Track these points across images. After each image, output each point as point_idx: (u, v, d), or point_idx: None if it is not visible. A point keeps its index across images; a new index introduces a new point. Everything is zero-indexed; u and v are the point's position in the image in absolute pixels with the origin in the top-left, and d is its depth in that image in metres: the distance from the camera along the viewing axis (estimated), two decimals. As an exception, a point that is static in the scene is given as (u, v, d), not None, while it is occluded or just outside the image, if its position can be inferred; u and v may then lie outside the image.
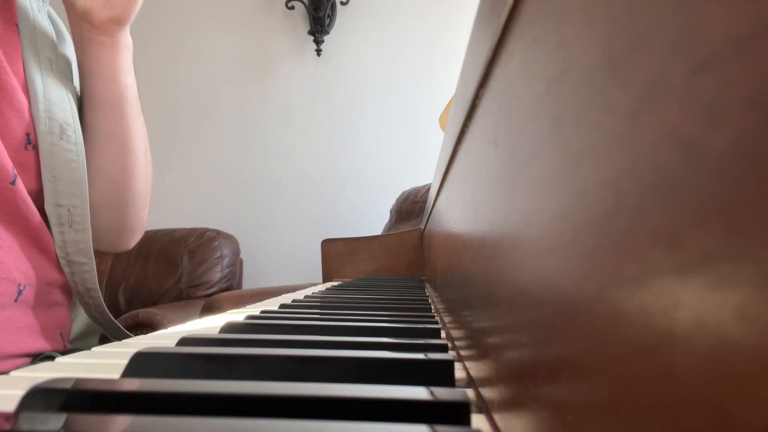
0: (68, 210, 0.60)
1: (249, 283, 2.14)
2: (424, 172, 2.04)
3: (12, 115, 0.56)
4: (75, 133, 0.62)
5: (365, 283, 0.93)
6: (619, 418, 0.10)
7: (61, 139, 0.60)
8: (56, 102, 0.61)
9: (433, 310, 0.54)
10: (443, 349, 0.30)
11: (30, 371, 0.28)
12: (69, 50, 0.69)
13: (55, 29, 0.67)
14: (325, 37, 2.18)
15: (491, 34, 0.21)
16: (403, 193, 1.90)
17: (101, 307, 0.64)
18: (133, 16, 0.65)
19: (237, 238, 2.10)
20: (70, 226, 0.61)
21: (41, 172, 0.59)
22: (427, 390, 0.20)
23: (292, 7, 2.17)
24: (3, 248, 0.55)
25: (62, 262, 0.61)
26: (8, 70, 0.56)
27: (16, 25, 0.59)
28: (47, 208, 0.59)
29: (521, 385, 0.16)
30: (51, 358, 0.57)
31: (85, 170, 0.63)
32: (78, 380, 0.21)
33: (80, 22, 0.61)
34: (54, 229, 0.60)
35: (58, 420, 0.17)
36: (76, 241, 0.61)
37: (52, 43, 0.63)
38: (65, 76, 0.65)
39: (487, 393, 0.22)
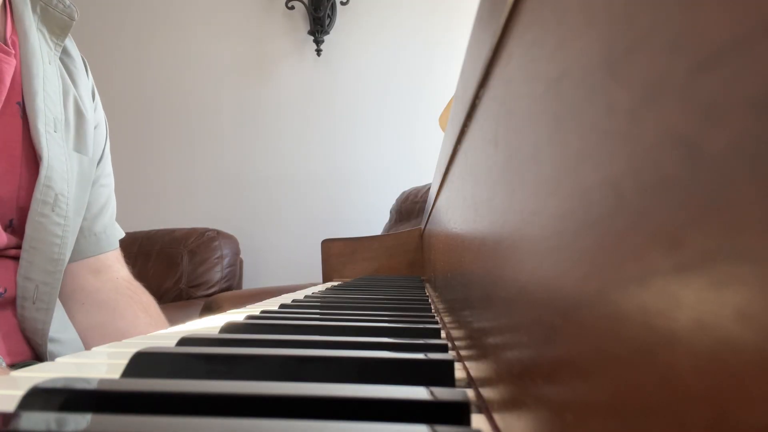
0: (37, 286, 0.58)
1: (249, 283, 2.14)
2: (424, 172, 2.04)
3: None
4: (67, 205, 0.60)
5: (365, 283, 0.93)
6: (619, 418, 0.10)
7: (53, 210, 0.58)
8: (56, 169, 0.59)
9: (433, 310, 0.54)
10: (443, 349, 0.30)
11: (30, 371, 0.28)
12: (82, 96, 0.66)
13: (68, 71, 0.65)
14: (325, 37, 2.17)
15: (491, 35, 0.21)
16: (403, 193, 1.90)
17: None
18: None
19: (237, 238, 2.10)
20: (33, 303, 0.58)
21: (23, 242, 0.57)
22: (427, 390, 0.20)
23: (292, 7, 2.17)
24: None
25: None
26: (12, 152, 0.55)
27: (18, 103, 0.57)
28: (18, 279, 0.57)
29: (521, 385, 0.16)
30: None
31: (66, 248, 0.61)
32: (78, 380, 0.21)
33: None
34: (18, 301, 0.58)
35: (58, 420, 0.17)
36: (35, 320, 0.59)
37: (60, 98, 0.62)
38: (73, 132, 0.63)
39: (487, 393, 0.22)
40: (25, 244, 0.57)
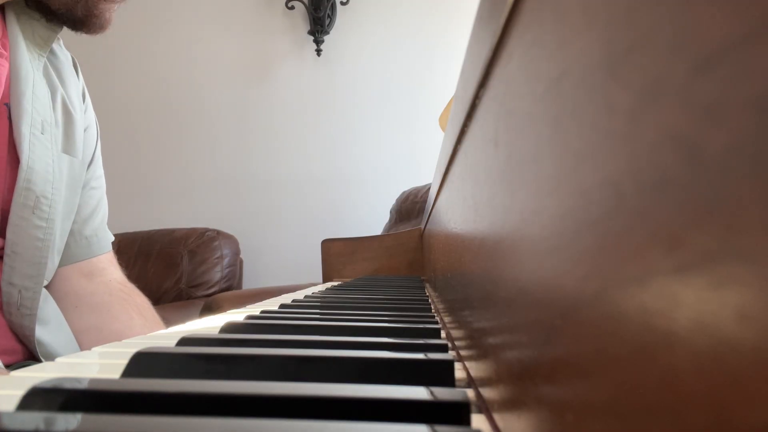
0: (19, 291, 0.57)
1: (249, 283, 2.14)
2: (424, 172, 2.04)
3: None
4: (50, 207, 0.59)
5: (365, 283, 0.93)
6: (619, 418, 0.10)
7: (33, 213, 0.57)
8: (39, 171, 0.57)
9: (433, 310, 0.54)
10: (443, 349, 0.30)
11: (30, 371, 0.28)
12: (71, 97, 0.65)
13: (56, 71, 0.64)
14: (325, 37, 2.17)
15: (491, 34, 0.21)
16: (403, 193, 1.90)
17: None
18: None
19: (237, 238, 2.10)
20: (18, 309, 0.57)
21: (5, 246, 0.56)
22: (427, 390, 0.20)
23: (292, 7, 2.17)
24: None
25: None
26: None
27: (6, 104, 0.57)
28: (2, 284, 0.57)
29: (521, 385, 0.16)
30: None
31: (49, 252, 0.60)
32: (78, 380, 0.21)
33: None
34: (4, 307, 0.57)
35: (56, 420, 0.17)
36: (21, 326, 0.58)
37: (49, 101, 0.61)
38: (62, 133, 0.62)
39: (487, 393, 0.22)
40: (7, 249, 0.56)
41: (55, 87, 0.63)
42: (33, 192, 0.57)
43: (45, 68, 0.62)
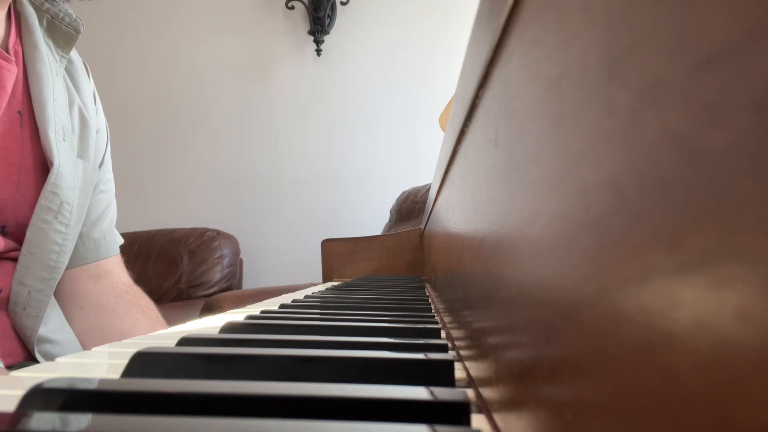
0: (29, 292, 0.58)
1: (249, 283, 2.14)
2: (424, 172, 2.04)
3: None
4: (70, 213, 0.60)
5: (365, 283, 0.93)
6: (619, 418, 0.10)
7: (56, 218, 0.58)
8: (65, 177, 0.59)
9: (433, 310, 0.54)
10: (443, 349, 0.30)
11: (30, 371, 0.28)
12: (86, 102, 0.66)
13: (72, 79, 0.65)
14: (325, 37, 2.17)
15: (491, 34, 0.21)
16: (403, 193, 1.90)
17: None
18: None
19: (237, 238, 2.10)
20: (24, 309, 0.58)
21: (22, 246, 0.57)
22: (427, 390, 0.20)
23: (292, 7, 2.17)
24: None
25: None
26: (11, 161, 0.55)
27: (18, 112, 0.57)
28: (13, 282, 0.57)
29: (521, 385, 0.16)
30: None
31: (64, 257, 0.61)
32: (78, 380, 0.21)
33: None
34: (9, 305, 0.58)
35: (58, 420, 0.17)
36: (23, 326, 0.58)
37: (67, 109, 0.62)
38: (78, 139, 0.63)
39: (487, 393, 0.22)
40: (24, 249, 0.57)
41: (71, 93, 0.64)
42: (58, 197, 0.58)
43: (63, 74, 0.63)
